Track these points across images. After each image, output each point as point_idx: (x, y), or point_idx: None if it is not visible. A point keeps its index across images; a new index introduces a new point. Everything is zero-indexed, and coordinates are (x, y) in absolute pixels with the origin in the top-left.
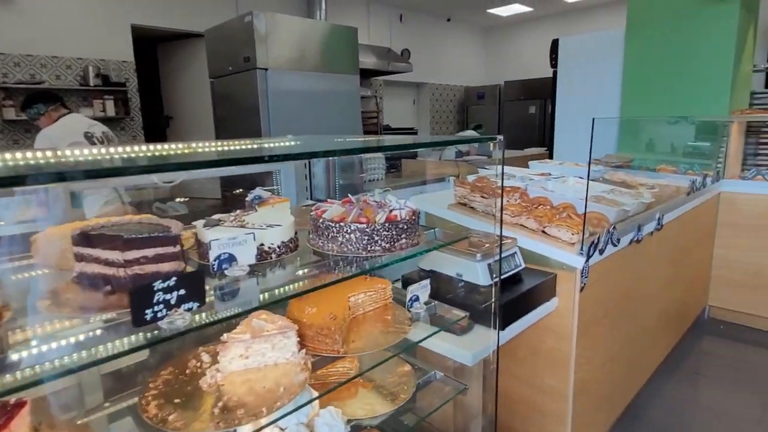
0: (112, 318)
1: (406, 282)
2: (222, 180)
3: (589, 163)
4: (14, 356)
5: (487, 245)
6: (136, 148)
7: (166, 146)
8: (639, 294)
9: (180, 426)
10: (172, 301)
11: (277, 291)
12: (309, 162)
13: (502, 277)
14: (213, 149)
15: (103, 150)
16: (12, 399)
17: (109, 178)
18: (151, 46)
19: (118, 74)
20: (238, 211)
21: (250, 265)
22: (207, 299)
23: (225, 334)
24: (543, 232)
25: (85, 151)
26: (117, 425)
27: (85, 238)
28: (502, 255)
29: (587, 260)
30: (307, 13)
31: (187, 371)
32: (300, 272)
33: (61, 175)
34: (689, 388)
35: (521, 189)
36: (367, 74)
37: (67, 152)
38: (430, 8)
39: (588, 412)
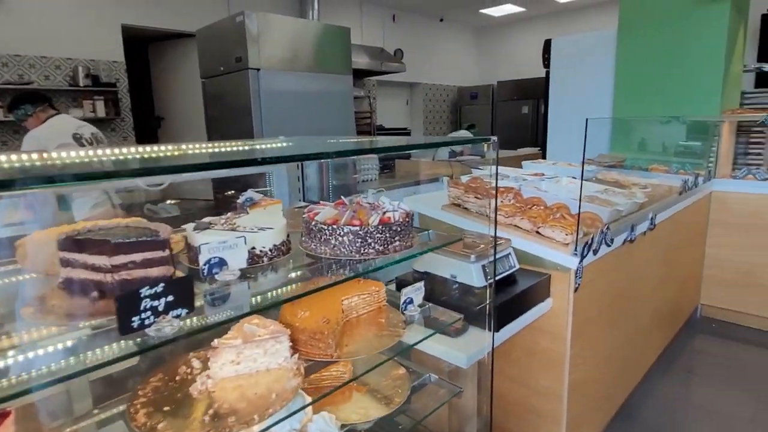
0: (100, 325)
1: (401, 284)
2: (214, 181)
3: (583, 164)
4: None
5: (481, 246)
6: (125, 150)
7: (155, 148)
8: (632, 294)
9: None
10: (160, 308)
11: (269, 295)
12: (301, 163)
13: (497, 278)
14: (203, 151)
15: (90, 152)
16: None
17: (98, 181)
18: (142, 46)
19: (108, 74)
20: (229, 214)
21: (241, 269)
22: (197, 304)
23: (216, 340)
24: (537, 232)
25: (72, 154)
26: None
27: (72, 243)
28: (497, 256)
29: (581, 261)
30: (299, 13)
31: (177, 377)
32: (292, 276)
33: (48, 179)
34: (682, 387)
35: (515, 189)
36: (360, 74)
37: (54, 155)
38: (422, 8)
39: (582, 412)
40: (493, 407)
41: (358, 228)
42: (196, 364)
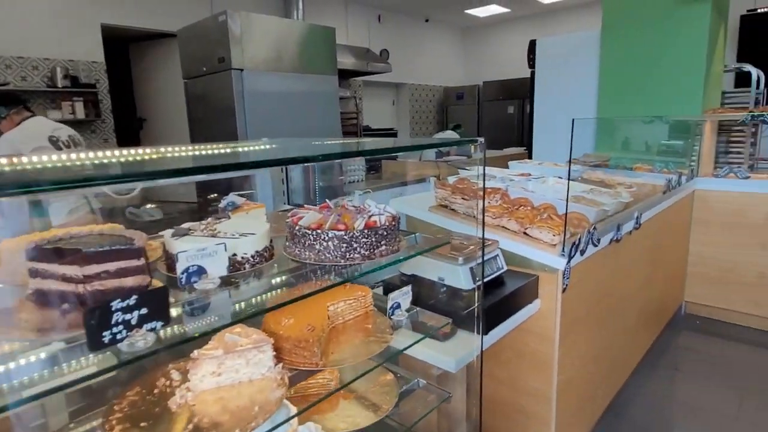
0: (71, 339)
1: (388, 287)
2: (198, 183)
3: (569, 164)
4: None
5: (469, 248)
6: (100, 153)
7: (132, 152)
8: (619, 293)
9: None
10: (133, 321)
11: (250, 303)
12: (286, 166)
13: (485, 280)
14: (183, 155)
15: (64, 156)
16: None
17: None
18: (123, 46)
19: (87, 75)
20: (209, 219)
21: (221, 277)
22: (175, 314)
23: (196, 351)
24: (524, 233)
25: (44, 158)
26: None
27: (41, 252)
28: (484, 258)
29: (569, 261)
30: (284, 12)
31: (156, 390)
32: (275, 282)
33: (21, 185)
34: (668, 384)
35: (502, 190)
36: (345, 75)
37: (26, 159)
38: (408, 8)
39: (571, 413)
40: (483, 409)
41: (342, 232)
42: (176, 375)
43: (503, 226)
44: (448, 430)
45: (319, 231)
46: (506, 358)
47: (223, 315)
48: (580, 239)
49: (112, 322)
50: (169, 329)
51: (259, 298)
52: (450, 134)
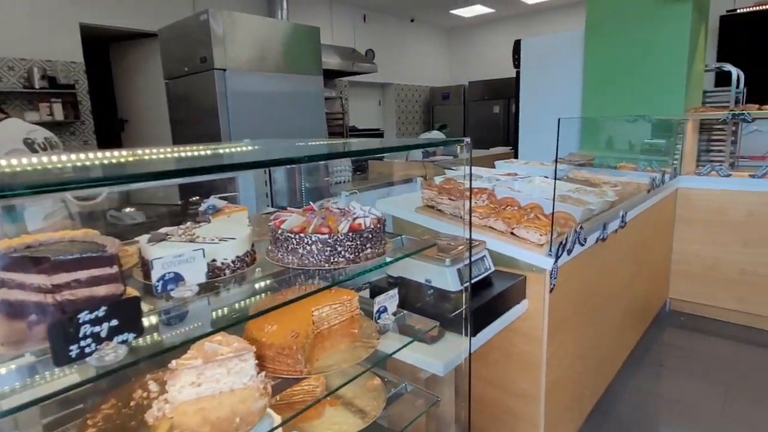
0: (40, 352)
1: (375, 290)
2: (180, 185)
3: (556, 163)
4: None
5: (456, 249)
6: (73, 157)
7: (107, 154)
8: (605, 291)
9: None
10: (103, 334)
11: (231, 310)
12: (269, 168)
13: (472, 281)
14: (161, 157)
15: (35, 160)
16: None
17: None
18: (103, 46)
19: (66, 76)
20: (188, 223)
21: (199, 284)
22: (151, 324)
23: (174, 361)
24: (512, 233)
25: (18, 161)
26: None
27: (6, 261)
28: (472, 259)
29: (556, 261)
30: (267, 12)
31: (132, 403)
32: (257, 287)
33: None
34: (654, 381)
35: (489, 190)
36: (331, 75)
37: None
38: (393, 9)
39: (559, 413)
40: (471, 411)
41: (326, 236)
42: (153, 387)
43: (490, 227)
44: None
45: (302, 235)
46: (494, 359)
47: (201, 323)
48: (567, 239)
49: (80, 335)
50: (143, 340)
51: (240, 304)
52: (436, 134)
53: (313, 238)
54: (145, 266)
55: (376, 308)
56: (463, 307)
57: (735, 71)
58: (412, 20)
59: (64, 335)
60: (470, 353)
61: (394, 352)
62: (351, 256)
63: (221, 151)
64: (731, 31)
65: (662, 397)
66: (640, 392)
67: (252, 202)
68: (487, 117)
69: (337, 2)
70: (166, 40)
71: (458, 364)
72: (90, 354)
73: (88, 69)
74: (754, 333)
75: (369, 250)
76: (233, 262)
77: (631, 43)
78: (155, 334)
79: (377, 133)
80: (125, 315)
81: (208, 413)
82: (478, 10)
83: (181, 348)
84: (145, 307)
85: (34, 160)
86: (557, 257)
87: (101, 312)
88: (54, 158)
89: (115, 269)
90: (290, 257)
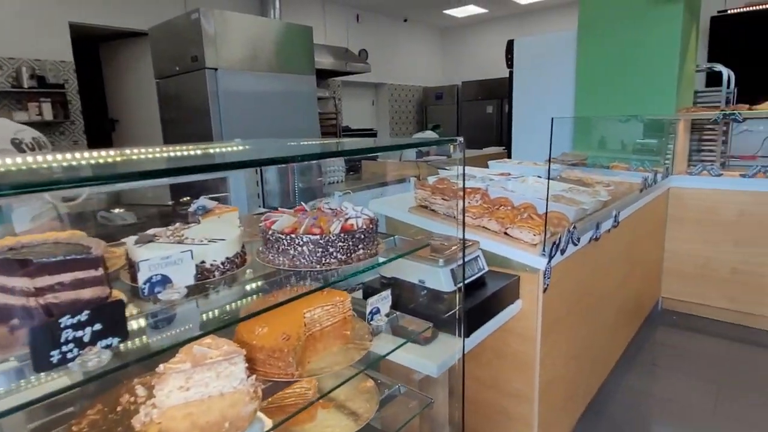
0: (22, 357)
1: (368, 291)
2: (172, 186)
3: (549, 163)
4: None
5: (450, 249)
6: (60, 157)
7: (95, 154)
8: (599, 291)
9: None
10: (86, 339)
11: (221, 312)
12: (260, 168)
13: (466, 282)
14: (150, 156)
15: (19, 160)
16: None
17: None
18: (93, 45)
19: (55, 75)
20: (177, 224)
21: (188, 287)
22: (137, 328)
23: (162, 365)
24: (505, 233)
25: (4, 161)
26: None
27: None
28: (465, 259)
29: (549, 261)
30: (260, 11)
31: (119, 408)
32: (247, 289)
33: None
34: (647, 380)
35: (482, 190)
36: (324, 75)
37: None
38: (386, 8)
39: (553, 412)
40: (465, 412)
41: (318, 237)
42: (141, 391)
43: (484, 227)
44: None
45: (293, 236)
46: (488, 359)
47: (190, 326)
48: (560, 238)
49: (62, 340)
50: (129, 344)
51: (229, 307)
52: (429, 134)
53: (305, 239)
54: (132, 268)
55: (368, 309)
56: (457, 307)
57: (726, 71)
58: (405, 20)
59: (45, 340)
60: (464, 354)
61: (387, 354)
62: (343, 257)
63: (211, 150)
64: (722, 32)
65: (655, 396)
66: (632, 391)
67: (243, 202)
68: (481, 117)
69: (330, 2)
70: (156, 39)
71: (452, 364)
72: (72, 359)
73: (78, 68)
74: (746, 331)
75: (361, 251)
76: (223, 263)
77: (624, 43)
78: (142, 337)
79: (370, 133)
80: (109, 319)
81: (197, 418)
82: (471, 10)
83: (169, 352)
84: (131, 310)
85: (20, 160)
86: (551, 257)
87: (84, 316)
88: (40, 158)
89: (100, 272)
90: (281, 258)
